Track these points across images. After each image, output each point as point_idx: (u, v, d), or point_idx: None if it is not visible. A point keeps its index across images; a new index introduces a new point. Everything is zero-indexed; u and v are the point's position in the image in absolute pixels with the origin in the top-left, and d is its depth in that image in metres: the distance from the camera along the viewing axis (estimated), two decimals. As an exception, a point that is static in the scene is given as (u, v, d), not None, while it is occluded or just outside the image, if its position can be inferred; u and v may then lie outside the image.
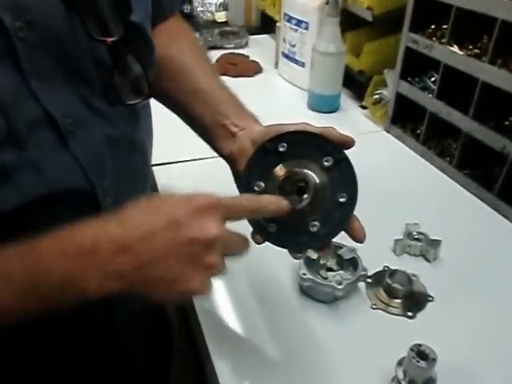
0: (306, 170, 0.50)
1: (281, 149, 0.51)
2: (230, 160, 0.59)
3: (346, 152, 0.52)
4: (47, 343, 0.55)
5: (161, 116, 0.66)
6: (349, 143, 0.52)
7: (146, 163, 0.63)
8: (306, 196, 0.50)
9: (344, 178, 0.51)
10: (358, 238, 0.52)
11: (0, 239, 0.41)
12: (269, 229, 0.51)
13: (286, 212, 0.48)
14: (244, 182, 0.52)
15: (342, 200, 0.50)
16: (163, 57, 0.63)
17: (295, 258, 0.55)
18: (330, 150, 0.51)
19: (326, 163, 0.50)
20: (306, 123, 0.54)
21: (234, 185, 0.58)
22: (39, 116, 0.44)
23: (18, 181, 0.43)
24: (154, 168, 0.93)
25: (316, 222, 0.50)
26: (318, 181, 0.50)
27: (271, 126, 0.56)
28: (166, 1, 0.68)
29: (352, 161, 0.52)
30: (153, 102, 0.62)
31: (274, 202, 0.48)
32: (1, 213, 0.43)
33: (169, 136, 0.68)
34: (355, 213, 0.52)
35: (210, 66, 0.68)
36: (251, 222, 0.51)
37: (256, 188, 0.51)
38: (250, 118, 0.60)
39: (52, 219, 0.43)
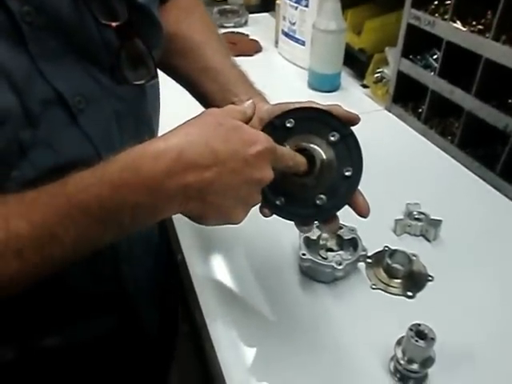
0: (312, 145, 0.52)
1: (288, 124, 0.53)
2: None
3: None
4: (58, 305, 0.58)
5: (169, 92, 0.66)
6: (354, 119, 0.54)
7: (153, 137, 0.63)
8: (313, 170, 0.51)
9: (350, 152, 0.52)
10: (363, 212, 0.54)
11: None
12: (276, 201, 0.53)
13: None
14: None
15: (347, 174, 0.52)
16: (174, 33, 0.64)
17: (302, 232, 0.57)
18: (337, 125, 0.52)
19: (332, 138, 0.52)
20: (312, 101, 0.55)
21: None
22: (49, 95, 0.45)
23: (33, 157, 0.45)
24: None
25: (322, 196, 0.52)
26: (324, 155, 0.52)
27: (278, 104, 0.57)
28: None
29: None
30: (161, 77, 0.62)
31: (304, 164, 0.51)
32: (17, 186, 0.43)
33: (176, 113, 0.68)
34: (360, 188, 0.53)
35: (220, 43, 0.68)
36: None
37: None
38: (258, 96, 0.62)
39: None
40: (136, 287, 0.66)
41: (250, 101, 0.50)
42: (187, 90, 0.67)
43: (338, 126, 0.52)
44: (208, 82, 0.63)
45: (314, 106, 0.54)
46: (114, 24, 0.48)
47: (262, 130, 0.53)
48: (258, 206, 0.52)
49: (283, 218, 0.54)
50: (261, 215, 0.54)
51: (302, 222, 0.56)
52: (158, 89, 0.64)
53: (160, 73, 0.59)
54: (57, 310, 0.60)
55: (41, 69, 0.44)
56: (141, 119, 0.58)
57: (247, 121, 0.48)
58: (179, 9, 0.68)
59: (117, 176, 0.42)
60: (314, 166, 0.52)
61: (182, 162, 0.42)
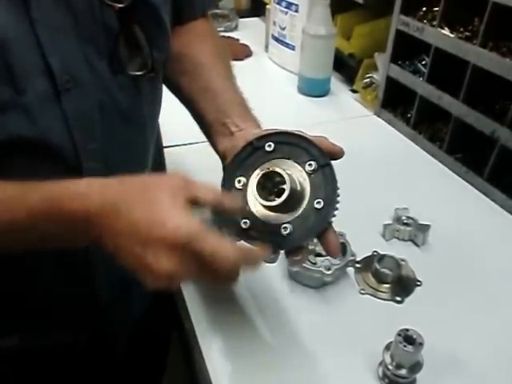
0: (286, 171, 0.49)
1: (267, 148, 0.52)
2: (223, 157, 0.60)
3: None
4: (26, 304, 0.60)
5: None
6: (338, 153, 0.53)
7: (145, 140, 0.64)
8: (281, 197, 0.48)
9: (325, 184, 0.50)
10: (331, 250, 0.52)
11: None
12: (241, 224, 0.51)
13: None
14: (227, 175, 0.53)
15: (317, 206, 0.49)
16: (184, 54, 0.66)
17: (265, 261, 0.51)
18: (316, 154, 0.51)
19: (308, 167, 0.50)
20: (300, 131, 0.53)
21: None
22: (39, 65, 0.46)
23: (7, 120, 0.45)
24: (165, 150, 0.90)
25: (288, 225, 0.49)
26: (297, 183, 0.50)
27: (268, 129, 0.56)
28: (197, 2, 0.69)
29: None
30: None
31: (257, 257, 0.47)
32: None
33: (180, 118, 0.69)
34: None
35: (226, 68, 0.69)
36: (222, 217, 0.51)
37: (237, 183, 0.52)
38: (252, 121, 0.62)
39: (30, 167, 0.48)
40: (110, 295, 0.66)
41: (218, 193, 0.48)
42: (186, 107, 0.68)
43: (318, 155, 0.51)
44: (205, 102, 0.63)
45: (298, 132, 0.52)
46: (117, 5, 0.49)
47: (241, 150, 0.52)
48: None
49: (245, 241, 0.51)
50: None
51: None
52: (159, 96, 0.65)
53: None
54: (23, 309, 0.61)
55: (39, 38, 0.45)
56: (131, 120, 0.58)
57: (203, 201, 0.45)
58: (194, 34, 0.69)
59: (35, 203, 0.44)
60: (282, 194, 0.49)
61: (98, 215, 0.43)
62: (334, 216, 0.52)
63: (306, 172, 0.51)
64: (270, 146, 0.51)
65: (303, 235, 0.50)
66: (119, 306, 0.69)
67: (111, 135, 0.55)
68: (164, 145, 0.80)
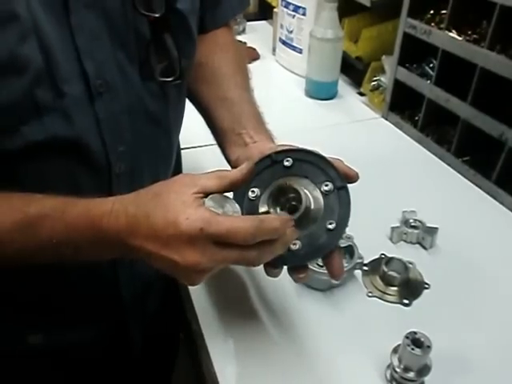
0: (303, 189, 0.50)
1: (286, 163, 0.52)
2: (234, 166, 0.60)
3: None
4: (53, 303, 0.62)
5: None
6: (353, 177, 0.53)
7: (171, 143, 0.65)
8: (295, 214, 0.49)
9: (340, 206, 0.50)
10: (335, 274, 0.52)
11: (7, 170, 0.48)
12: None
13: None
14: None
15: (330, 227, 0.50)
16: (205, 63, 0.68)
17: (268, 274, 0.53)
18: (333, 176, 0.51)
19: (325, 187, 0.51)
20: (317, 150, 0.54)
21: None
22: (76, 69, 0.49)
23: (47, 121, 0.48)
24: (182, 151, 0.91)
25: (298, 241, 0.49)
26: (312, 202, 0.50)
27: (284, 144, 0.56)
28: (220, 11, 0.70)
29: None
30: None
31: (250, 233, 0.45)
32: (23, 143, 0.48)
33: (196, 120, 0.70)
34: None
35: (245, 79, 0.70)
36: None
37: (251, 193, 0.52)
38: (266, 134, 0.62)
39: (63, 168, 0.51)
40: (132, 295, 0.67)
41: (239, 172, 0.49)
42: (201, 114, 0.69)
43: (335, 176, 0.51)
44: (222, 110, 0.64)
45: (317, 152, 0.52)
46: (152, 15, 0.52)
47: (259, 161, 0.52)
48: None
49: None
50: None
51: (272, 264, 0.51)
52: (183, 101, 0.66)
53: None
54: (48, 307, 0.62)
55: (76, 42, 0.48)
56: (158, 125, 0.60)
57: (217, 190, 0.47)
58: (216, 43, 0.71)
59: (73, 219, 0.47)
60: (297, 211, 0.50)
61: (125, 231, 0.45)
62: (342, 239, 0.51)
63: (322, 192, 0.51)
64: (288, 161, 0.52)
65: (310, 254, 0.50)
66: (138, 306, 0.70)
67: (139, 138, 0.57)
68: (181, 146, 0.81)
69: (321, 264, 0.71)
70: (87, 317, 0.65)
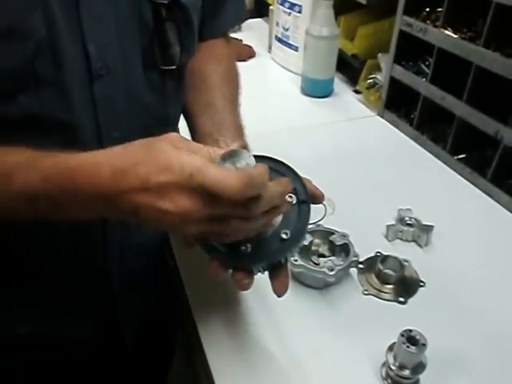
0: None
1: None
2: None
3: None
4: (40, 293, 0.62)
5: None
6: (318, 197, 0.53)
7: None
8: None
9: (298, 220, 0.49)
10: (278, 290, 0.51)
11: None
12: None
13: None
14: None
15: (283, 236, 0.49)
16: (197, 70, 0.68)
17: (238, 286, 0.50)
18: (299, 189, 0.50)
19: (288, 198, 0.49)
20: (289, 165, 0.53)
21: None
22: (79, 49, 0.50)
23: (44, 93, 0.49)
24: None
25: (249, 244, 0.48)
26: None
27: (258, 154, 0.54)
28: (218, 22, 0.71)
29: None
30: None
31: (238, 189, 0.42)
32: (19, 113, 0.48)
33: None
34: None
35: (232, 93, 0.70)
36: None
37: None
38: (242, 142, 0.62)
39: (54, 146, 0.48)
40: (124, 289, 0.67)
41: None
42: (184, 118, 0.69)
43: (300, 190, 0.50)
44: (204, 116, 0.65)
45: (287, 164, 0.51)
46: (157, 1, 0.53)
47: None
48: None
49: (201, 248, 0.50)
50: None
51: (218, 260, 0.49)
52: (182, 98, 0.66)
53: None
54: (37, 297, 0.62)
55: (82, 24, 0.49)
56: (155, 116, 0.60)
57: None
58: (211, 54, 0.71)
59: (48, 169, 0.45)
60: None
61: (109, 185, 0.43)
62: (292, 256, 0.51)
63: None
64: None
65: (258, 257, 0.49)
66: (131, 301, 0.69)
67: (134, 127, 0.57)
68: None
69: (316, 262, 0.71)
70: (76, 310, 0.65)
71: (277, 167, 0.51)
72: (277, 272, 0.51)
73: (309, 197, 0.51)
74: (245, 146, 0.62)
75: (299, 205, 0.50)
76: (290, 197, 0.50)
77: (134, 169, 0.42)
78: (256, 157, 0.49)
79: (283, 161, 0.51)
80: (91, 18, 0.49)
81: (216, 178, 0.40)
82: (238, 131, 0.64)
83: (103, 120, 0.54)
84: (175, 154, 0.41)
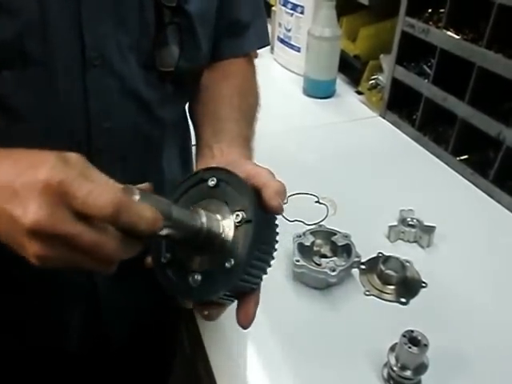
0: (215, 215, 0.43)
1: (211, 183, 0.45)
2: None
3: None
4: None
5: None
6: (272, 209, 0.43)
7: (162, 133, 0.64)
8: (195, 243, 0.42)
9: (243, 242, 0.42)
10: (241, 321, 0.44)
11: None
12: (161, 257, 0.44)
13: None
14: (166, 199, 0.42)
15: (227, 265, 0.41)
16: (207, 87, 0.67)
17: (204, 317, 0.44)
18: (247, 205, 0.43)
19: (236, 217, 0.42)
20: (268, 170, 0.46)
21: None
22: (73, 36, 0.49)
23: (30, 74, 0.49)
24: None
25: (197, 276, 0.42)
26: (220, 231, 0.42)
27: (246, 161, 0.51)
28: (240, 42, 0.69)
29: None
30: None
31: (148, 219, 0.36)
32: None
33: None
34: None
35: (243, 103, 0.65)
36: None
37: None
38: (239, 149, 0.57)
39: (38, 134, 0.50)
40: (107, 285, 0.65)
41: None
42: (194, 129, 0.68)
43: (248, 206, 0.42)
44: (206, 125, 0.63)
45: (238, 175, 0.44)
46: (167, 3, 0.53)
47: (188, 178, 0.46)
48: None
49: (157, 277, 0.44)
50: None
51: (167, 292, 0.43)
52: (184, 101, 0.66)
53: None
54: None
55: (82, 17, 0.49)
56: (150, 113, 0.59)
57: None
58: (227, 71, 0.68)
59: None
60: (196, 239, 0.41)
61: None
62: (255, 284, 0.44)
63: (234, 223, 0.42)
64: (213, 180, 0.44)
65: (205, 292, 0.41)
66: (116, 302, 0.67)
67: (127, 121, 0.56)
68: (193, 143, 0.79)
69: (318, 263, 0.71)
70: (57, 305, 0.64)
71: (229, 179, 0.44)
72: (245, 299, 0.44)
73: (258, 213, 0.42)
74: (244, 155, 0.57)
75: (245, 224, 0.42)
76: (238, 215, 0.42)
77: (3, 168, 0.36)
78: (208, 169, 0.46)
79: (236, 173, 0.44)
80: (90, 10, 0.49)
81: (91, 190, 0.34)
82: (237, 139, 0.59)
83: (94, 110, 0.53)
84: (54, 159, 0.35)
